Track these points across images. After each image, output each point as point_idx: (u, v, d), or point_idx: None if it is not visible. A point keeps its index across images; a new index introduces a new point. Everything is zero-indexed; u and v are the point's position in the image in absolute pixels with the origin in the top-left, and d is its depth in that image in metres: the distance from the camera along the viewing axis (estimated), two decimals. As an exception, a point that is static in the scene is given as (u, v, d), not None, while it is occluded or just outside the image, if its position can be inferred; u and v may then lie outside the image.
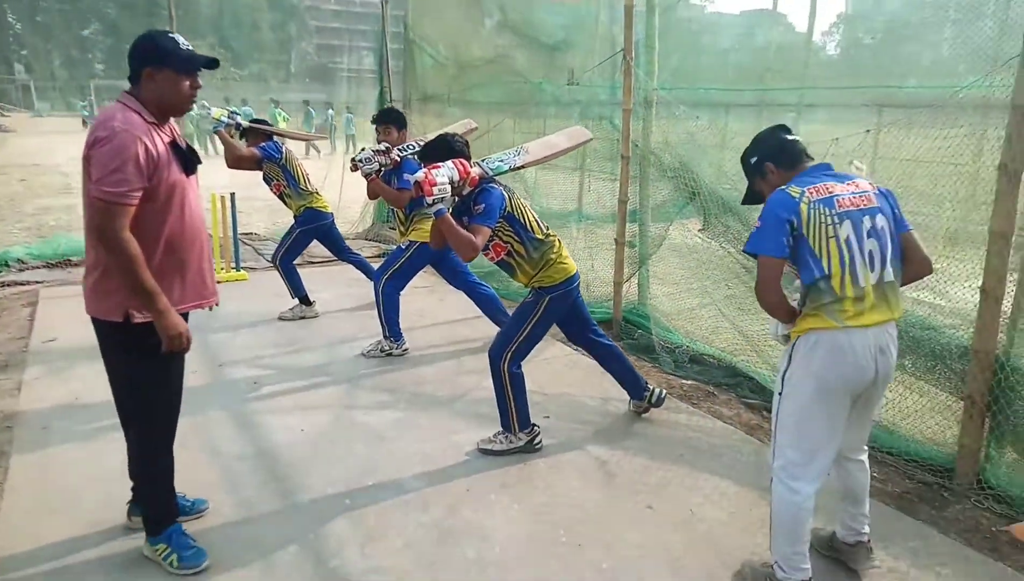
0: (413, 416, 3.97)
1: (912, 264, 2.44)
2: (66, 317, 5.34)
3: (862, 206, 2.34)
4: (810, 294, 2.33)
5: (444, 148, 3.44)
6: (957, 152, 3.30)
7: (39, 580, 2.53)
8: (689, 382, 4.53)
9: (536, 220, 3.50)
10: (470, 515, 3.02)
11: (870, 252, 2.30)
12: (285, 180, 5.50)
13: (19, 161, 17.46)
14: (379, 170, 4.68)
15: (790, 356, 2.39)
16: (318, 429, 3.77)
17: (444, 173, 3.14)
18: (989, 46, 3.36)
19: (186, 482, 2.87)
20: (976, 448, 3.21)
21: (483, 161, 3.44)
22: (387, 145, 4.74)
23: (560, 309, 3.56)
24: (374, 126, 5.13)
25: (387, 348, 4.89)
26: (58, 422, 3.73)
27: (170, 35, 2.38)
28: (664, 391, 4.00)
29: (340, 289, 6.53)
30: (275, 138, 5.57)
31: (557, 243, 3.55)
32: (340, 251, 6.00)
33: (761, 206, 2.44)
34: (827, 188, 2.34)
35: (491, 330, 5.12)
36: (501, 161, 3.48)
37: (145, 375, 2.45)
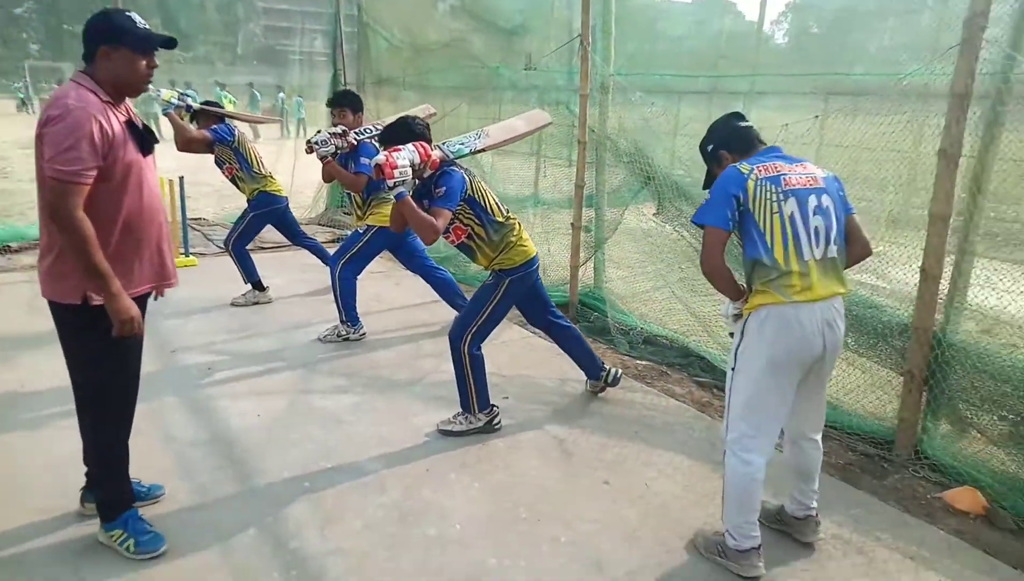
0: (371, 400, 3.97)
1: (854, 246, 2.55)
2: (6, 304, 5.17)
3: (808, 186, 2.43)
4: (757, 270, 2.41)
5: (404, 131, 3.43)
6: (899, 138, 3.43)
7: (-12, 569, 2.48)
8: (643, 362, 4.63)
9: (496, 203, 3.52)
10: (430, 495, 3.04)
11: (816, 229, 2.39)
12: (238, 163, 5.39)
13: (-51, 145, 16.68)
14: (335, 153, 4.63)
15: (742, 332, 2.48)
16: (274, 414, 3.74)
17: (405, 156, 3.13)
18: (929, 36, 3.50)
19: (141, 468, 2.82)
20: (914, 421, 3.37)
21: (444, 144, 3.44)
22: (343, 128, 4.69)
23: (520, 291, 3.59)
24: (329, 109, 5.06)
25: (344, 333, 4.86)
26: (4, 411, 3.61)
27: (126, 13, 2.32)
28: (620, 371, 4.08)
29: (293, 274, 6.45)
30: (227, 120, 5.46)
31: (517, 226, 3.57)
32: (295, 236, 5.92)
33: None
34: (775, 167, 2.43)
35: (448, 314, 5.14)
36: (462, 144, 3.48)
37: (103, 359, 2.40)
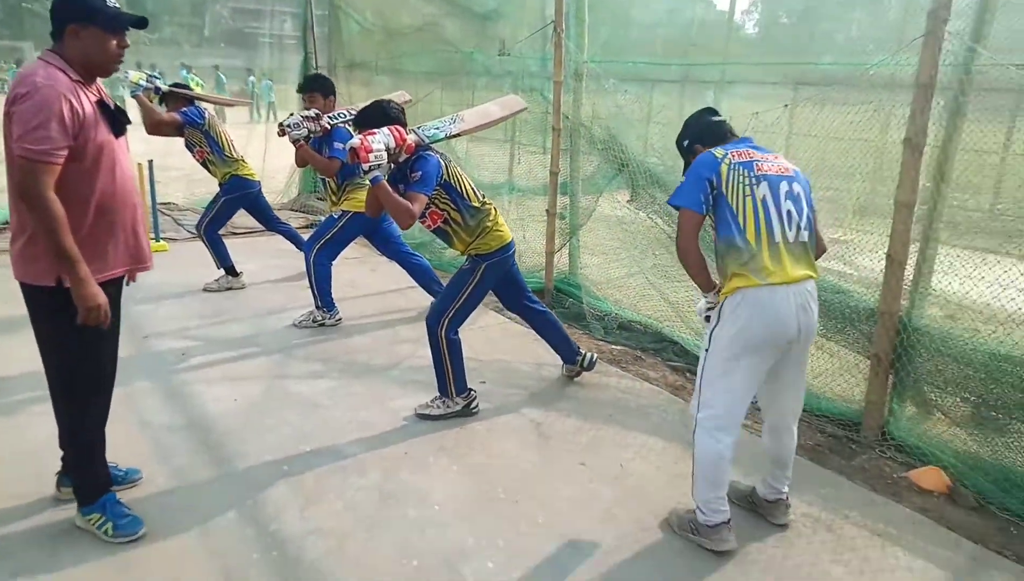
0: (347, 384, 3.97)
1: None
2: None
3: (780, 173, 2.50)
4: (730, 252, 2.47)
5: (380, 114, 3.42)
6: (866, 127, 3.51)
7: (-38, 555, 2.45)
8: (618, 347, 4.69)
9: (472, 188, 3.53)
10: (409, 477, 3.07)
11: (788, 212, 2.47)
12: (209, 146, 5.33)
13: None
14: (307, 136, 4.59)
15: (719, 314, 2.54)
16: (250, 399, 3.73)
17: (380, 140, 3.13)
18: (896, 27, 3.58)
19: (117, 454, 2.81)
20: (881, 403, 3.48)
21: (419, 128, 3.44)
22: (316, 112, 4.65)
23: (496, 276, 3.62)
24: (300, 95, 5.01)
25: (319, 319, 4.84)
26: (-29, 397, 3.56)
27: None
28: (595, 356, 4.13)
29: (266, 260, 6.40)
30: (196, 103, 5.38)
31: (493, 211, 3.60)
32: (268, 221, 5.86)
33: None
34: (748, 153, 2.51)
35: (425, 300, 5.15)
36: (437, 129, 3.48)
37: (76, 343, 2.37)
